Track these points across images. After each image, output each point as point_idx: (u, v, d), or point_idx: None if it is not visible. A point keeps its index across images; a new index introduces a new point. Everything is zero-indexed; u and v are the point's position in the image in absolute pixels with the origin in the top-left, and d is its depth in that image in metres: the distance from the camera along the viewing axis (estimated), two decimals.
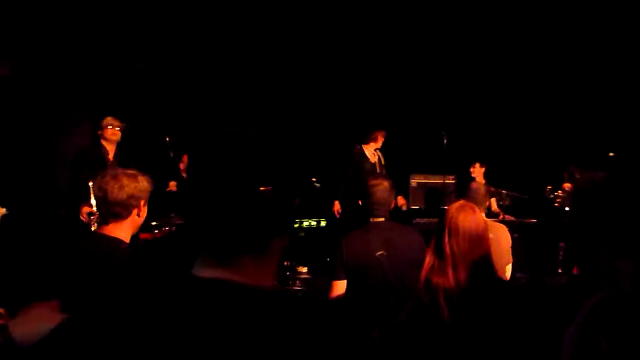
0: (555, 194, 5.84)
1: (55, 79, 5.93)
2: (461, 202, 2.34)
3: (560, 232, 5.97)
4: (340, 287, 2.85)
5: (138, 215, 2.03)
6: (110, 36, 6.00)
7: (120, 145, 5.08)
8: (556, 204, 5.82)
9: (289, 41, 6.65)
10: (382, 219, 2.99)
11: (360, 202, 3.06)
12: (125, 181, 1.98)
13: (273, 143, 0.90)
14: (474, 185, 3.99)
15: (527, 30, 6.46)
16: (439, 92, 7.32)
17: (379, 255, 2.80)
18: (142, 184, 2.03)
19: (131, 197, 1.98)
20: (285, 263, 6.07)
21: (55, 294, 1.69)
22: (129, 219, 2.00)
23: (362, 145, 6.13)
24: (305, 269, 6.56)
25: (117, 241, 1.95)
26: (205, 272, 0.86)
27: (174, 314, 0.80)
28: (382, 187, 3.01)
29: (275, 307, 0.83)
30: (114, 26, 5.90)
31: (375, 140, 6.10)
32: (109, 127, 4.95)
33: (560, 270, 5.90)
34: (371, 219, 2.99)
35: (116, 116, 5.09)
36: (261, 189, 0.86)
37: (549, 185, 5.95)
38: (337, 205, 6.10)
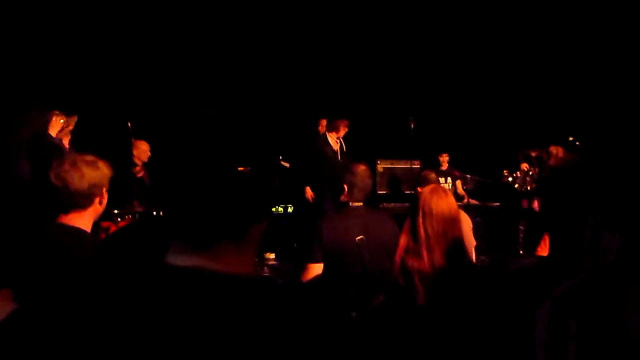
0: (514, 175, 5.95)
1: (9, 67, 5.63)
2: (433, 185, 2.36)
3: (520, 214, 6.13)
4: (316, 269, 2.80)
5: (100, 203, 1.94)
6: (67, 21, 5.72)
7: (77, 132, 4.90)
8: (516, 186, 5.92)
9: (255, 23, 6.52)
10: (361, 204, 2.96)
11: (340, 187, 3.02)
12: (85, 169, 1.87)
13: (248, 123, 0.85)
14: (423, 172, 4.20)
15: (488, 18, 6.55)
16: (405, 78, 7.35)
17: (358, 240, 2.77)
18: (103, 170, 1.93)
19: (93, 186, 1.87)
20: None
21: (12, 285, 1.60)
22: (91, 208, 1.90)
23: (326, 133, 6.20)
24: (272, 255, 6.53)
25: (79, 231, 1.85)
26: (180, 260, 0.80)
27: (148, 306, 0.75)
28: (365, 172, 2.98)
29: (255, 295, 0.79)
30: (70, 12, 5.63)
31: (337, 129, 6.15)
32: (50, 127, 4.76)
33: (521, 252, 6.08)
34: (350, 203, 2.95)
35: (74, 103, 4.91)
36: (239, 169, 0.80)
37: (505, 169, 6.07)
38: (309, 191, 6.12)
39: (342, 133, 6.20)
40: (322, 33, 6.81)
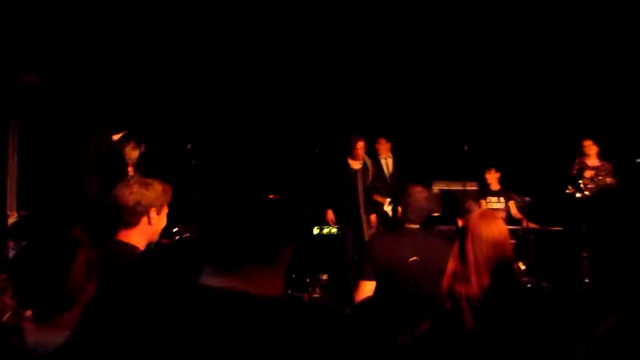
0: (579, 182, 5.67)
1: (82, 87, 6.06)
2: (482, 209, 2.32)
3: (581, 240, 5.82)
4: (368, 287, 2.76)
5: (150, 223, 1.98)
6: (134, 45, 6.11)
7: (142, 155, 5.13)
8: (587, 192, 5.61)
9: (311, 51, 6.68)
10: (417, 226, 2.88)
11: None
12: (135, 188, 1.95)
13: (281, 152, 0.90)
14: (466, 204, 3.99)
15: (543, 40, 6.38)
16: (459, 100, 7.26)
17: (411, 261, 2.71)
18: (153, 192, 1.97)
19: (138, 203, 1.93)
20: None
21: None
22: (139, 227, 1.95)
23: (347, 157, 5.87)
24: (325, 276, 6.53)
25: (130, 247, 1.92)
26: (212, 281, 0.85)
27: (180, 325, 0.80)
28: (420, 193, 2.90)
29: (283, 316, 0.82)
30: (137, 35, 6.02)
31: (351, 151, 5.78)
32: (134, 147, 4.96)
33: (587, 280, 5.73)
34: (406, 225, 2.90)
35: (139, 125, 5.19)
36: (270, 197, 0.85)
37: (569, 186, 5.78)
38: (330, 214, 5.97)
39: (360, 153, 5.75)
40: (374, 59, 6.86)
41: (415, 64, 7.03)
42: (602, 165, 5.87)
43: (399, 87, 7.28)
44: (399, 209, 2.96)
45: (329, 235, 6.53)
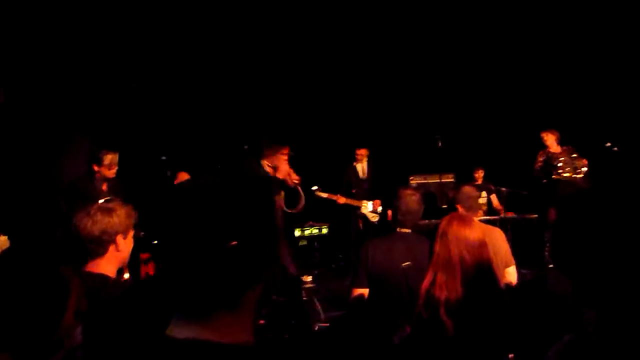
0: (558, 168, 5.75)
1: (49, 104, 5.93)
2: (453, 213, 2.32)
3: (547, 225, 5.95)
4: (361, 295, 2.76)
5: (118, 249, 1.93)
6: (103, 58, 6.01)
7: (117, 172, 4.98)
8: (566, 174, 5.69)
9: (283, 49, 6.66)
10: (409, 230, 2.90)
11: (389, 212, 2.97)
12: (98, 217, 1.89)
13: (239, 196, 0.89)
14: (465, 189, 3.51)
15: (511, 36, 6.48)
16: (432, 96, 7.33)
17: (405, 266, 2.70)
18: (117, 218, 1.93)
19: (104, 232, 1.88)
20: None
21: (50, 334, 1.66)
22: (108, 255, 1.91)
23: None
24: (309, 278, 6.54)
25: (103, 277, 1.87)
26: (180, 332, 0.84)
27: None
28: (410, 197, 2.89)
29: None
30: (105, 49, 5.91)
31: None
32: (110, 167, 4.73)
33: (550, 266, 5.89)
34: (398, 229, 2.90)
35: (113, 137, 5.08)
36: (231, 244, 0.84)
37: (544, 180, 5.92)
38: None
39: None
40: (350, 58, 6.87)
41: (389, 64, 7.06)
42: (564, 150, 6.04)
43: (372, 87, 7.31)
44: (389, 212, 2.94)
45: (311, 236, 6.55)
